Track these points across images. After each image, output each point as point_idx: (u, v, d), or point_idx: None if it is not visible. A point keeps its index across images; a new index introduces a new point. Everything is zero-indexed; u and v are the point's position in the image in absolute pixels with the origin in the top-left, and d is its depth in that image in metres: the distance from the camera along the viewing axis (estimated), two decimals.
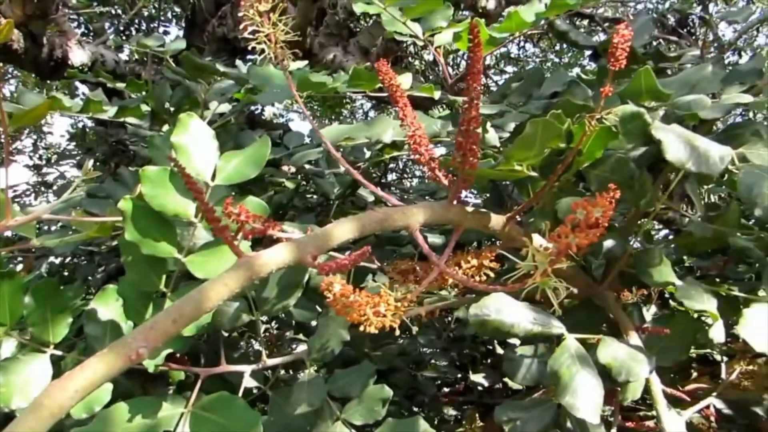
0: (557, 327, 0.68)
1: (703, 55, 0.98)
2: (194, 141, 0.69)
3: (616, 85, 0.84)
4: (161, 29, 4.11)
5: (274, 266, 0.47)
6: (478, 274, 0.73)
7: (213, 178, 0.70)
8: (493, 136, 0.84)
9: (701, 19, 5.29)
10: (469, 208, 0.66)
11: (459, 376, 1.73)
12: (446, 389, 1.79)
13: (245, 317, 0.85)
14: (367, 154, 1.04)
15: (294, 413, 0.79)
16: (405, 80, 0.94)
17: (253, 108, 3.45)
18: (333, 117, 5.09)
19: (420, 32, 0.93)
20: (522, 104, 0.86)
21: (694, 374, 1.35)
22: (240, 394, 0.85)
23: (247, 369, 0.88)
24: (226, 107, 1.41)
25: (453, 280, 0.69)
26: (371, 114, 5.17)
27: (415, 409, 1.62)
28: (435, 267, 0.58)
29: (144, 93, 1.42)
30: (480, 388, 1.59)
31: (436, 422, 1.67)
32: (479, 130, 0.58)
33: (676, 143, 0.64)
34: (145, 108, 1.25)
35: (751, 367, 1.28)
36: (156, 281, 0.74)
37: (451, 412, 1.75)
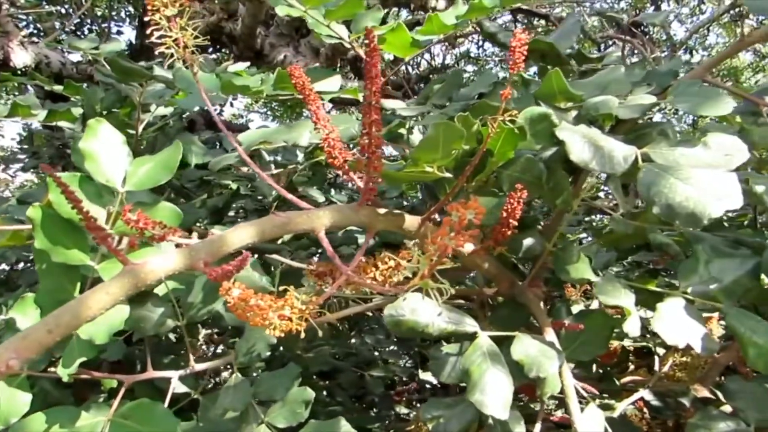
0: (470, 325, 0.69)
1: (624, 57, 1.01)
2: (104, 147, 0.68)
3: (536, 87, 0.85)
4: (114, 29, 4.03)
5: (162, 273, 0.47)
6: (397, 275, 0.73)
7: (124, 183, 0.69)
8: (417, 138, 0.85)
9: (668, 17, 5.40)
10: (382, 210, 0.67)
11: (410, 374, 1.74)
12: (401, 388, 1.80)
13: (170, 323, 0.85)
14: (300, 156, 1.04)
15: (219, 417, 0.78)
16: (333, 83, 0.95)
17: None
18: (294, 117, 5.07)
19: (345, 35, 0.93)
20: (443, 106, 0.87)
21: (632, 366, 1.38)
22: (167, 400, 0.85)
23: (174, 375, 0.87)
24: (167, 109, 1.39)
25: (360, 284, 0.70)
26: (333, 113, 5.15)
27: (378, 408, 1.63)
28: (344, 271, 0.58)
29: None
30: (428, 386, 1.61)
31: (388, 421, 1.68)
32: (381, 133, 0.59)
33: (579, 144, 0.65)
34: (78, 111, 1.23)
35: (684, 359, 1.32)
36: (70, 289, 0.72)
37: (404, 410, 1.76)
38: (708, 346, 0.76)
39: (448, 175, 0.71)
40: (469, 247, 0.78)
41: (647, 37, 5.28)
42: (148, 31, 0.65)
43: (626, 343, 1.35)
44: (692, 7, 4.99)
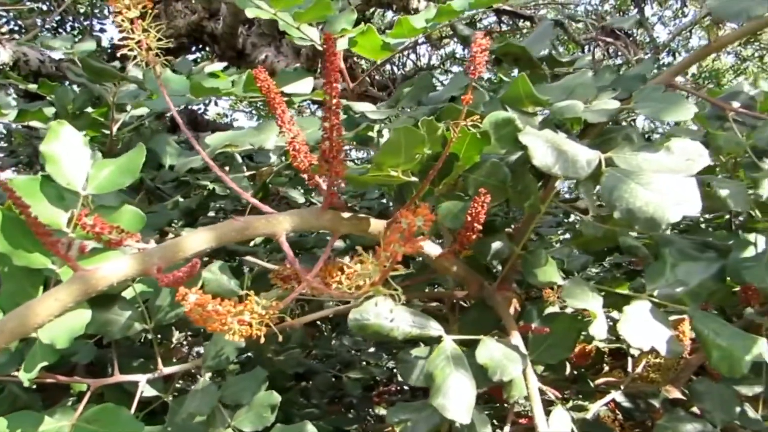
0: (435, 329, 0.70)
1: (595, 61, 1.01)
2: (65, 149, 0.67)
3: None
4: (97, 26, 3.99)
5: (114, 279, 0.47)
6: (362, 280, 0.73)
7: (86, 186, 0.69)
8: None
9: (637, 21, 5.46)
10: (346, 214, 0.67)
11: (390, 376, 1.74)
12: (381, 389, 1.80)
13: (138, 326, 0.84)
14: (273, 158, 1.03)
15: (185, 421, 0.78)
16: (305, 85, 0.94)
17: (195, 108, 3.40)
18: None
19: (317, 37, 0.93)
20: (412, 109, 0.87)
21: (607, 368, 1.39)
22: (135, 403, 0.84)
23: (141, 378, 0.87)
24: (144, 110, 1.38)
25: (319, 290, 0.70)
26: (318, 114, 5.14)
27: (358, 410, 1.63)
28: (303, 276, 0.58)
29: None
30: (408, 387, 1.61)
31: (367, 423, 1.68)
32: (349, 136, 0.59)
33: (542, 148, 0.66)
34: (51, 111, 1.21)
35: (657, 360, 1.33)
36: (32, 292, 0.71)
37: (384, 412, 1.76)
38: (673, 349, 0.77)
39: (414, 179, 0.71)
40: (436, 251, 0.78)
41: (630, 39, 5.33)
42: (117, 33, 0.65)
43: (601, 344, 1.36)
44: (675, 10, 5.04)
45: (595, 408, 1.22)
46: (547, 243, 1.56)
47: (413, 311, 0.70)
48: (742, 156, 0.88)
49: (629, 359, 1.32)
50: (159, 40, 0.68)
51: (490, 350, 0.70)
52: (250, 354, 1.09)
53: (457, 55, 5.25)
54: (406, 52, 5.46)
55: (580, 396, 1.31)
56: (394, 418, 0.79)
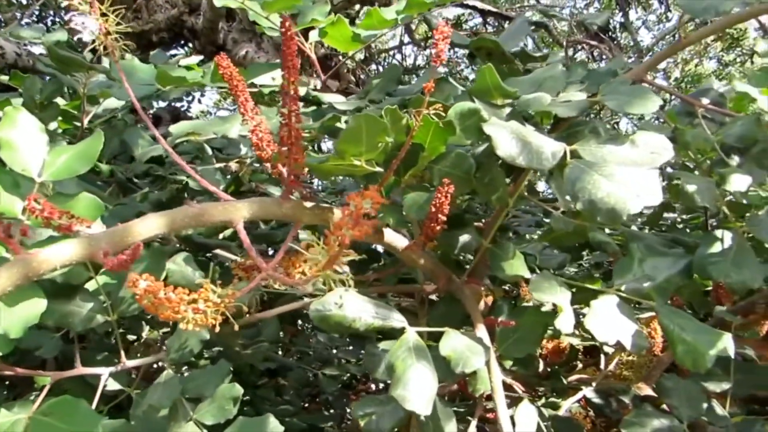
0: (398, 321, 0.69)
1: (567, 57, 1.01)
2: (21, 136, 0.66)
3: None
4: (79, 20, 3.93)
5: (57, 263, 0.46)
6: (326, 270, 0.72)
7: (41, 173, 0.67)
8: None
9: (622, 25, 5.50)
10: (309, 204, 0.66)
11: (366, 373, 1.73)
12: (360, 387, 1.79)
13: (100, 318, 0.82)
14: (243, 150, 1.02)
15: (146, 414, 0.77)
16: (276, 77, 0.93)
17: (178, 105, 3.37)
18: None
19: None
20: (381, 100, 0.86)
21: (581, 365, 1.40)
22: (97, 396, 0.83)
23: (104, 371, 0.85)
24: (117, 102, 1.36)
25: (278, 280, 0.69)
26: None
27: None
28: (261, 266, 0.57)
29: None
30: (383, 384, 1.60)
31: (343, 420, 1.67)
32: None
33: (507, 139, 0.65)
34: (19, 102, 1.19)
35: (631, 357, 1.34)
36: None
37: None
38: (638, 343, 0.76)
39: (379, 169, 0.70)
40: (402, 243, 0.78)
41: (615, 42, 5.37)
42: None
43: (576, 341, 1.36)
44: (659, 14, 5.08)
45: (567, 405, 1.22)
46: (526, 241, 1.56)
47: (376, 302, 0.69)
48: (711, 153, 0.89)
49: (602, 356, 1.33)
50: (118, 24, 0.67)
51: (453, 342, 0.69)
52: (220, 348, 1.07)
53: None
54: (392, 53, 5.46)
55: (554, 393, 1.32)
56: (359, 411, 0.78)
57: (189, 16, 2.28)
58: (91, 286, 0.85)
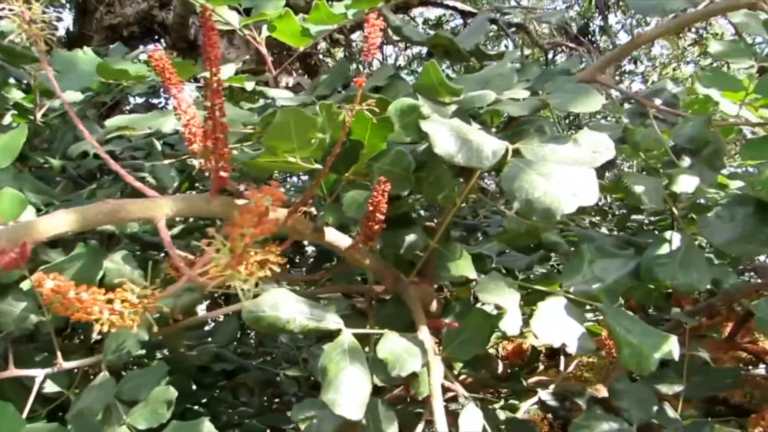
0: (334, 322, 0.67)
1: (523, 55, 1.00)
2: None
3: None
4: (54, 14, 3.87)
5: None
6: (263, 270, 0.70)
7: None
8: None
9: (601, 28, 5.53)
10: (241, 201, 0.64)
11: None
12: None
13: (33, 318, 0.80)
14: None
15: (76, 418, 0.74)
16: (227, 71, 0.91)
17: (155, 101, 3.32)
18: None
19: (236, 21, 0.90)
20: (326, 96, 0.84)
21: (542, 367, 1.39)
22: (31, 399, 0.80)
23: (39, 373, 0.82)
24: (77, 95, 1.33)
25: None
26: None
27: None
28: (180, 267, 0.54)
29: None
30: None
31: None
32: (225, 119, 0.56)
33: (445, 136, 0.64)
34: None
35: (591, 359, 1.34)
36: None
37: None
38: (583, 345, 0.75)
39: (318, 166, 0.68)
40: (345, 242, 0.76)
41: (594, 45, 5.41)
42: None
43: (538, 343, 1.35)
44: (638, 19, 5.11)
45: (525, 407, 1.21)
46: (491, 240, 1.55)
47: (312, 303, 0.67)
48: (665, 154, 0.88)
49: (562, 358, 1.32)
50: (44, 12, 0.64)
51: (391, 344, 0.68)
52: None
53: (424, 56, 5.25)
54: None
55: (514, 394, 1.31)
56: (299, 415, 0.76)
57: (159, 11, 2.24)
58: (26, 285, 0.82)
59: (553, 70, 0.87)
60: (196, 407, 1.33)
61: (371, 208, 0.66)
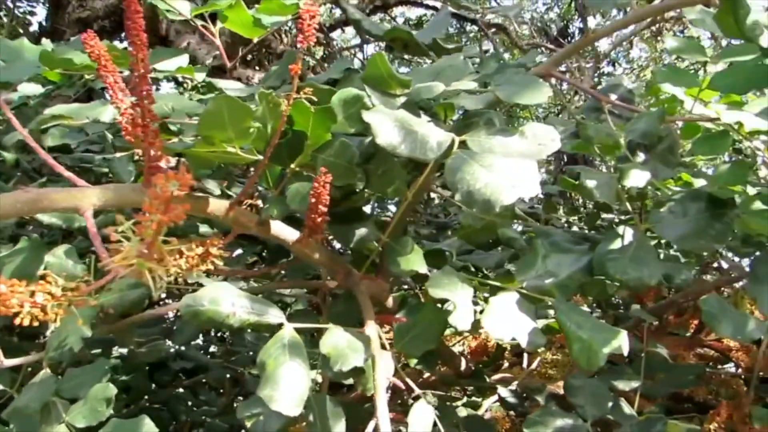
0: (275, 317, 0.66)
1: (481, 51, 0.99)
2: None
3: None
4: (27, 8, 3.84)
5: None
6: (204, 264, 0.69)
7: None
8: None
9: (581, 30, 5.57)
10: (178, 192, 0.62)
11: None
12: None
13: None
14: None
15: (12, 416, 0.72)
16: (175, 63, 0.89)
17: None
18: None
19: (186, 10, 0.88)
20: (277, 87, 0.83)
21: (507, 364, 1.39)
22: None
23: None
24: (36, 88, 1.30)
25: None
26: None
27: None
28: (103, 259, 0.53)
29: None
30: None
31: None
32: (153, 106, 0.54)
33: (388, 127, 0.63)
34: None
35: (555, 356, 1.33)
36: None
37: None
38: (534, 341, 0.74)
39: (260, 157, 0.67)
40: (292, 236, 0.75)
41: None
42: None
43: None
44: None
45: (487, 404, 1.20)
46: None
47: (253, 297, 0.66)
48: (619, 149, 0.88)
49: (525, 355, 1.32)
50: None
51: (334, 339, 0.66)
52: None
53: (405, 56, 5.25)
54: (353, 51, 5.43)
55: (478, 392, 1.30)
56: (245, 412, 0.74)
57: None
58: None
59: (510, 64, 0.86)
60: (157, 406, 1.31)
61: (313, 200, 0.64)
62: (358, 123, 0.66)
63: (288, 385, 0.60)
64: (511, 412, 1.20)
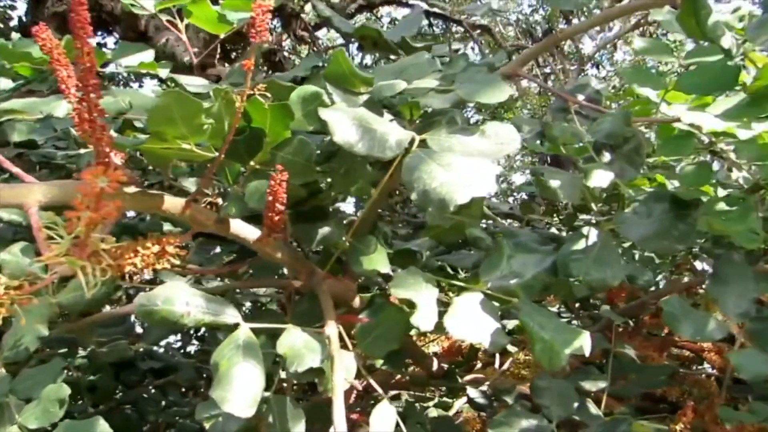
0: (231, 316, 0.65)
1: (450, 50, 0.99)
2: None
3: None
4: (7, 2, 3.79)
5: None
6: (160, 262, 0.67)
7: None
8: None
9: (490, 10, 5.60)
10: (131, 189, 0.61)
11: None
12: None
13: None
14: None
15: None
16: (140, 58, 0.88)
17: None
18: None
19: (150, 5, 0.87)
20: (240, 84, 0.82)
21: (480, 364, 1.38)
22: None
23: None
24: (5, 83, 1.28)
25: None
26: None
27: None
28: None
29: None
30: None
31: None
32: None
33: (345, 125, 0.62)
34: None
35: (528, 357, 1.33)
36: None
37: None
38: (496, 341, 0.74)
39: (216, 154, 0.66)
40: (253, 234, 0.74)
41: (558, 49, 5.46)
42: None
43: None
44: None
45: (458, 405, 1.20)
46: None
47: (208, 296, 0.65)
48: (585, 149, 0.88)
49: (497, 355, 1.32)
50: None
51: (292, 339, 0.66)
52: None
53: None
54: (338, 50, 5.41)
55: (449, 393, 1.30)
56: (203, 413, 0.73)
57: (108, 0, 2.18)
58: None
59: (477, 63, 0.86)
60: (126, 406, 1.29)
61: (270, 198, 0.64)
62: (317, 121, 0.65)
63: (241, 386, 0.59)
64: (482, 413, 1.19)
